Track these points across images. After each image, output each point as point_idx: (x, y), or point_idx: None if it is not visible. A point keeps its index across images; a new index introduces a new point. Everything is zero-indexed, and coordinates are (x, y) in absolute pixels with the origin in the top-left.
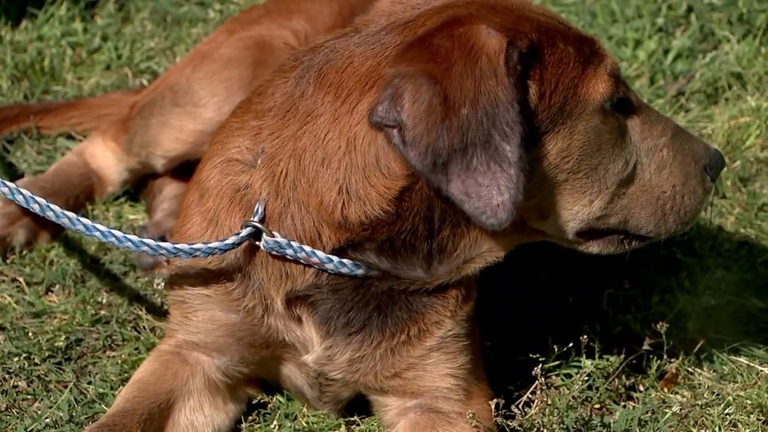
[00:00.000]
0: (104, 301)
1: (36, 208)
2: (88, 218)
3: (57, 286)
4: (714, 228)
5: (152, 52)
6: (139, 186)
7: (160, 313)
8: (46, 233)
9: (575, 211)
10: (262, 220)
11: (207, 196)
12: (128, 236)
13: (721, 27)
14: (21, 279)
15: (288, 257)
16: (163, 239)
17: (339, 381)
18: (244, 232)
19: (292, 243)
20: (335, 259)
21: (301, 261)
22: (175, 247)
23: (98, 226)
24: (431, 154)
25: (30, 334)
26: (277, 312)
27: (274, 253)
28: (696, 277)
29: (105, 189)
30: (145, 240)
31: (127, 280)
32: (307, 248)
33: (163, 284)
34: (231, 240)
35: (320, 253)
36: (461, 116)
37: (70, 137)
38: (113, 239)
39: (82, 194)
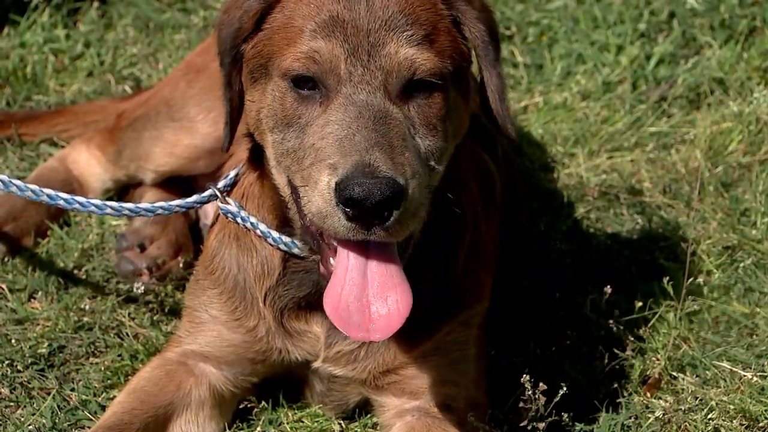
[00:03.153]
0: (87, 307)
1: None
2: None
3: (39, 293)
4: (697, 233)
5: (135, 58)
6: (121, 193)
7: (142, 320)
8: (28, 239)
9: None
10: (231, 186)
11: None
12: (91, 201)
13: (703, 32)
14: (3, 286)
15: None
16: (142, 246)
17: (341, 379)
18: (206, 193)
19: (242, 212)
20: (274, 233)
21: (251, 232)
22: (138, 207)
23: (61, 194)
24: None
25: (13, 340)
26: (273, 328)
27: (230, 218)
28: (679, 282)
29: (86, 196)
30: (108, 203)
31: (109, 287)
32: (253, 219)
33: (143, 290)
34: (193, 199)
35: (262, 226)
36: None
37: (53, 144)
38: (77, 205)
39: None
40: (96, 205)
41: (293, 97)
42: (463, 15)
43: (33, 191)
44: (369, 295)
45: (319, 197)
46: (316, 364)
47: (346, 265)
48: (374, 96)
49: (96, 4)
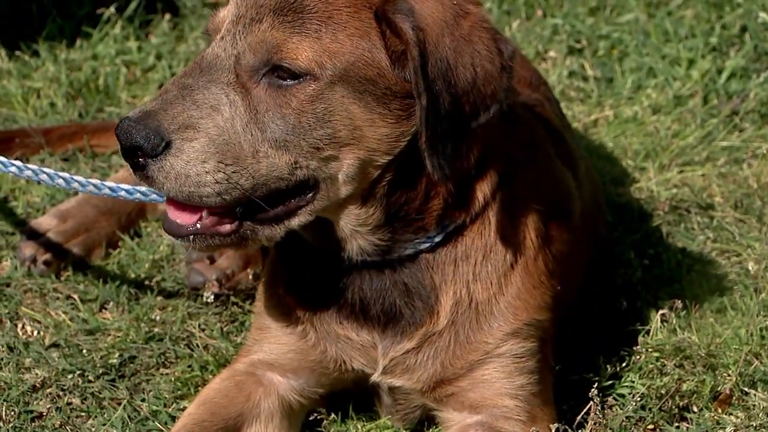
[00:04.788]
0: (157, 318)
1: (44, 178)
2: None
3: (111, 303)
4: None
5: None
6: None
7: (212, 331)
8: (100, 250)
9: None
10: None
11: None
12: (106, 183)
13: None
14: (75, 296)
15: None
16: (211, 258)
17: (402, 390)
18: None
19: None
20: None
21: None
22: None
23: (76, 177)
24: None
25: (84, 351)
26: (326, 331)
27: None
28: (750, 297)
29: (157, 207)
30: (122, 186)
31: (179, 298)
32: None
33: (212, 301)
34: None
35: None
36: None
37: None
38: (91, 187)
39: (134, 211)
40: (95, 186)
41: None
42: (402, 34)
43: (77, 182)
44: None
45: None
46: (374, 377)
47: None
48: (219, 60)
49: (168, 17)
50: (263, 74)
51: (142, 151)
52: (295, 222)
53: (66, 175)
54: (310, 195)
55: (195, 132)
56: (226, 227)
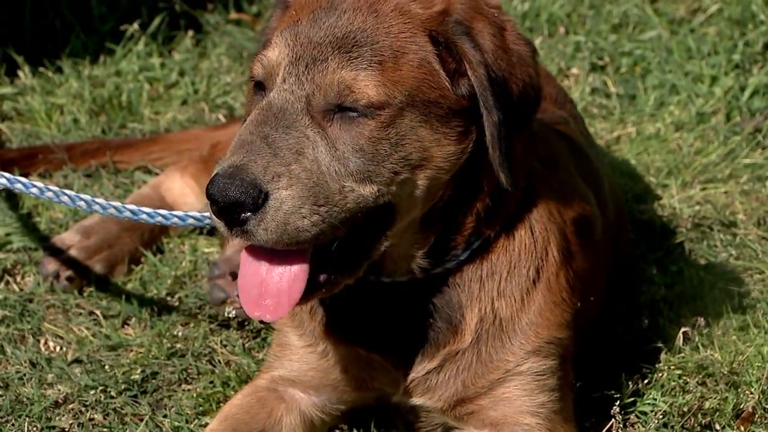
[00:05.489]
0: (179, 334)
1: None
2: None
3: (133, 319)
4: None
5: (228, 87)
6: None
7: (234, 347)
8: (122, 266)
9: None
10: None
11: None
12: (96, 200)
13: None
14: (98, 312)
15: None
16: (234, 274)
17: (423, 409)
18: None
19: None
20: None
21: None
22: (155, 212)
23: (82, 196)
24: None
25: (106, 367)
26: (346, 351)
27: None
28: None
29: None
30: (113, 203)
31: (201, 314)
32: None
33: (233, 315)
34: None
35: None
36: None
37: (147, 171)
38: (82, 203)
39: (157, 228)
40: (86, 201)
41: (253, 99)
42: (464, 55)
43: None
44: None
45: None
46: (396, 398)
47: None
48: (290, 104)
49: (191, 33)
50: (336, 111)
51: (242, 207)
52: (376, 253)
53: (83, 196)
54: (390, 219)
55: (288, 179)
56: (320, 280)
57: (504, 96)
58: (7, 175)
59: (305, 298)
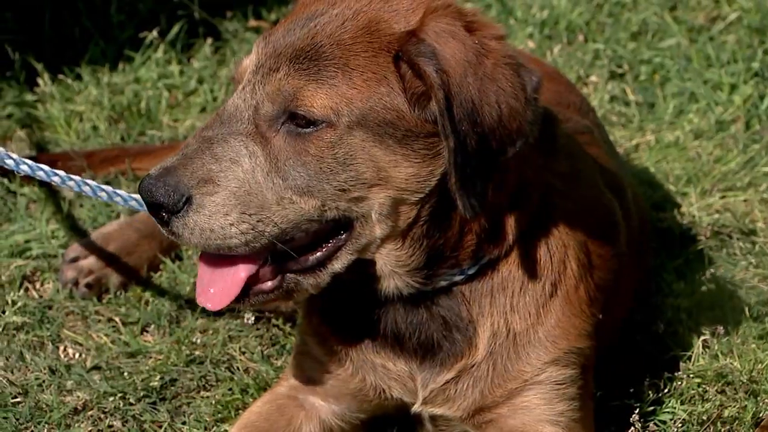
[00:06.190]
0: (198, 341)
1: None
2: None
3: (152, 326)
4: None
5: None
6: None
7: (253, 354)
8: (141, 273)
9: None
10: None
11: None
12: (117, 191)
13: None
14: (117, 319)
15: None
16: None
17: (443, 418)
18: None
19: None
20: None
21: None
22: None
23: (104, 187)
24: None
25: (125, 373)
26: (363, 360)
27: None
28: None
29: None
30: (134, 195)
31: (220, 321)
32: None
33: (252, 321)
34: None
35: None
36: None
37: None
38: (103, 194)
39: None
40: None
41: None
42: (425, 78)
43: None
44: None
45: None
46: (415, 408)
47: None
48: (240, 112)
49: (210, 41)
50: (282, 123)
51: (164, 208)
52: (338, 265)
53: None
54: (345, 235)
55: (214, 186)
56: (268, 284)
57: (472, 123)
58: (44, 167)
59: (244, 296)
